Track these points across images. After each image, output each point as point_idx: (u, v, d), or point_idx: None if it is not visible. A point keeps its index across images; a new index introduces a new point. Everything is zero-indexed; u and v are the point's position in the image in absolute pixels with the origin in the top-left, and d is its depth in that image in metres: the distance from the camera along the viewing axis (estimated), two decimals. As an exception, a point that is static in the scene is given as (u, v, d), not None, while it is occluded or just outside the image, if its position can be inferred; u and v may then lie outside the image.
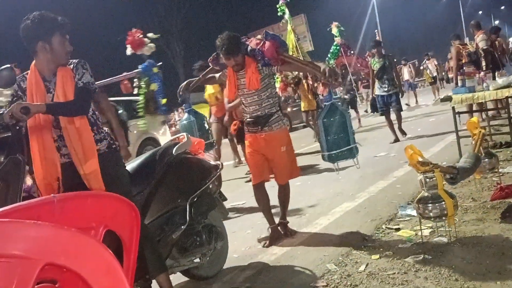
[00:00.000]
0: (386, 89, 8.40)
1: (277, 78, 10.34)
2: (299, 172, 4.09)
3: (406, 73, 18.38)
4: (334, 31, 12.14)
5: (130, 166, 2.96)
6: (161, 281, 2.60)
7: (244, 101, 3.75)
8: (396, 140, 8.30)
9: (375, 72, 8.57)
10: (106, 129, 2.72)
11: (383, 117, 8.93)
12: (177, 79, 31.22)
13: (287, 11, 10.45)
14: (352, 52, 12.97)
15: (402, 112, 9.03)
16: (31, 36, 2.44)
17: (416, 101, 18.29)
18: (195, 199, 3.08)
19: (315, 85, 10.85)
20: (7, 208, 1.32)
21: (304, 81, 10.95)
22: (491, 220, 3.43)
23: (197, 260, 3.07)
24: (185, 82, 4.13)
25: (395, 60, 11.17)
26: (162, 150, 3.15)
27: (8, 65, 2.43)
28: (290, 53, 10.17)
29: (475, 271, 2.64)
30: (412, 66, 20.51)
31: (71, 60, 2.57)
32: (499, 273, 2.57)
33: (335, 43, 12.18)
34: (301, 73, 10.53)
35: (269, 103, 3.69)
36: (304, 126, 14.59)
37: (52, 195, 1.94)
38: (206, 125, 4.38)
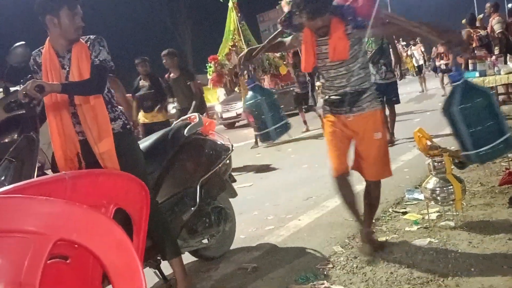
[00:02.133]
0: (383, 76, 6.72)
1: (209, 67, 9.31)
2: (391, 171, 3.05)
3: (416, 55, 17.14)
4: (285, 9, 9.04)
5: (142, 145, 2.94)
6: (175, 265, 2.61)
7: (325, 74, 2.89)
8: (390, 141, 6.28)
9: (369, 54, 6.58)
10: (120, 108, 2.69)
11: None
12: (185, 62, 31.08)
13: None
14: None
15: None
16: (41, 10, 2.41)
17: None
18: (206, 181, 3.07)
19: (262, 76, 9.27)
20: (20, 184, 1.34)
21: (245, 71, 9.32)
22: (499, 205, 3.42)
23: (206, 241, 3.10)
24: (245, 51, 3.25)
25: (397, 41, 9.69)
26: (173, 130, 3.12)
27: (23, 42, 2.42)
28: (230, 36, 9.14)
29: (481, 255, 2.65)
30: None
31: (88, 37, 2.53)
32: (505, 257, 2.57)
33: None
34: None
35: (359, 76, 2.80)
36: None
37: (63, 172, 1.97)
38: (277, 101, 3.50)
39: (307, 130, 10.09)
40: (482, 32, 8.36)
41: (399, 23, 2.84)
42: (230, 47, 9.11)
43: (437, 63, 13.87)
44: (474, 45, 8.25)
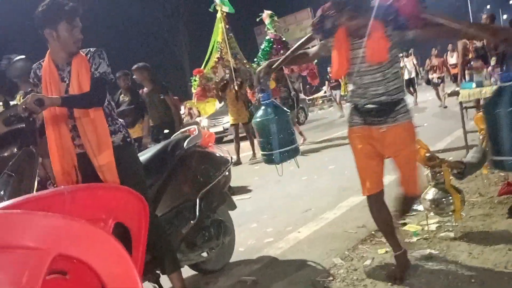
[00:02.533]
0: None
1: (194, 81, 8.73)
2: (419, 189, 2.88)
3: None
4: (267, 21, 9.39)
5: (142, 158, 2.93)
6: (174, 279, 2.59)
7: (358, 81, 2.60)
8: None
9: None
10: (121, 120, 2.69)
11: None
12: (182, 73, 31.00)
13: None
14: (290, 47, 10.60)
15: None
16: (40, 24, 2.43)
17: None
18: (205, 194, 3.05)
19: (244, 92, 8.45)
20: (19, 199, 1.34)
21: (232, 86, 8.32)
22: (498, 215, 3.42)
23: (205, 254, 3.08)
24: (265, 64, 2.98)
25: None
26: (173, 143, 3.11)
27: (23, 56, 2.43)
28: (217, 48, 8.65)
29: (481, 266, 2.64)
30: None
31: (88, 49, 2.53)
32: (505, 267, 2.57)
33: (267, 38, 9.36)
34: (227, 76, 8.47)
35: (396, 84, 2.57)
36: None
37: (62, 186, 1.96)
38: (290, 123, 3.25)
39: (304, 141, 9.67)
40: (478, 43, 8.41)
41: (444, 23, 2.55)
42: (216, 59, 8.73)
43: (430, 76, 13.73)
44: (470, 56, 8.32)
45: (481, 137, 4.16)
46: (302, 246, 3.54)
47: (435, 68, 13.37)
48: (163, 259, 2.57)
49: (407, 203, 2.92)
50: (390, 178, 4.76)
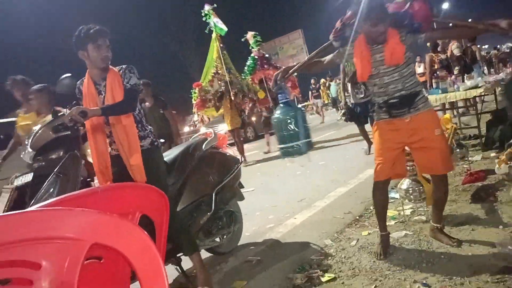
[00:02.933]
0: (363, 95, 6.14)
1: (194, 93, 8.59)
2: (453, 165, 2.79)
3: (333, 88, 16.59)
4: (251, 41, 9.11)
5: (168, 157, 2.90)
6: (194, 259, 2.58)
7: (378, 81, 2.56)
8: (370, 145, 6.26)
9: (349, 76, 6.14)
10: (150, 127, 2.67)
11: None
12: (191, 85, 30.54)
13: (213, 17, 8.35)
14: (273, 63, 9.48)
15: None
16: (75, 48, 2.46)
17: None
18: (220, 189, 3.04)
19: (238, 101, 8.34)
20: (60, 198, 1.35)
21: (228, 96, 8.18)
22: (463, 201, 3.41)
23: (218, 240, 3.08)
24: (282, 69, 2.86)
25: None
26: (194, 145, 3.08)
27: (69, 74, 2.45)
28: (213, 64, 8.41)
29: (449, 243, 2.64)
30: None
31: (121, 66, 2.54)
32: (470, 245, 2.56)
33: (251, 55, 9.04)
34: (223, 88, 8.26)
35: (412, 81, 2.54)
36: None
37: (97, 186, 1.97)
38: (305, 120, 3.03)
39: (269, 151, 9.00)
40: (442, 56, 8.43)
41: (457, 23, 2.49)
42: (212, 74, 8.50)
43: None
44: (436, 67, 8.34)
45: (446, 135, 4.16)
46: (298, 230, 3.54)
47: None
48: (183, 244, 2.56)
49: (444, 183, 2.69)
50: (371, 171, 4.74)
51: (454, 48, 8.35)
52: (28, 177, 2.19)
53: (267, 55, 9.24)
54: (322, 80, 17.93)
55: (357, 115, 6.25)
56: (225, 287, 2.65)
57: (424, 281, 2.22)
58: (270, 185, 5.87)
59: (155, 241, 1.56)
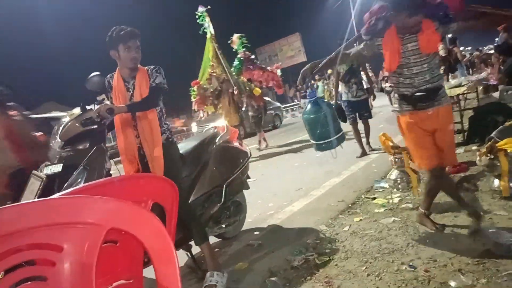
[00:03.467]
0: (354, 94, 5.78)
1: (193, 91, 8.10)
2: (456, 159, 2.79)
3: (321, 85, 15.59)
4: (236, 44, 8.49)
5: (184, 149, 2.81)
6: (204, 248, 2.53)
7: (406, 72, 2.42)
8: (364, 153, 5.78)
9: (341, 74, 5.80)
10: (167, 124, 2.64)
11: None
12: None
13: (207, 19, 7.79)
14: (259, 65, 8.82)
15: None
16: (107, 47, 2.45)
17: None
18: (230, 182, 2.98)
19: (239, 97, 7.93)
20: (81, 187, 1.36)
21: (227, 93, 7.79)
22: (446, 190, 3.41)
23: (225, 227, 3.04)
24: (308, 65, 2.68)
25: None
26: (208, 138, 3.02)
27: (98, 72, 2.44)
28: (209, 63, 7.93)
29: (433, 229, 2.64)
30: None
31: (149, 66, 2.52)
32: (452, 230, 2.58)
33: (238, 56, 8.43)
34: (223, 85, 7.80)
35: (437, 74, 2.44)
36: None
37: (113, 176, 1.98)
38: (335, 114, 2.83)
39: (267, 146, 9.12)
40: None
41: (489, 11, 2.39)
42: (210, 72, 7.99)
43: (383, 85, 12.70)
44: None
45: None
46: (296, 217, 3.55)
47: (386, 78, 12.90)
48: (194, 234, 2.52)
49: (446, 175, 2.71)
50: (362, 163, 4.72)
51: (439, 49, 8.32)
52: (58, 168, 2.17)
53: (252, 57, 8.67)
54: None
55: (342, 112, 5.88)
56: (229, 268, 2.67)
57: (411, 263, 2.24)
58: (270, 175, 5.88)
59: (165, 225, 1.58)
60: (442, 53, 8.16)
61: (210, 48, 7.91)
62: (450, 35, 8.38)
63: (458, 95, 5.12)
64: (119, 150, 2.49)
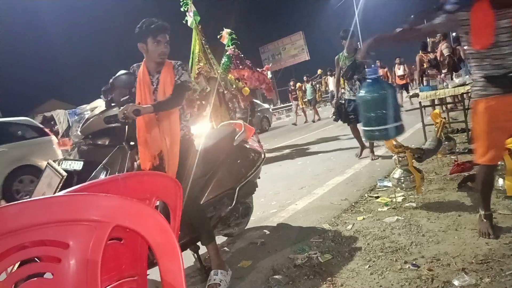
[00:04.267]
0: (357, 92, 4.77)
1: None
2: None
3: (331, 83, 13.81)
4: (225, 39, 7.74)
5: (202, 147, 2.72)
6: (210, 248, 2.50)
7: (494, 51, 2.12)
8: (363, 148, 5.55)
9: (342, 70, 5.20)
10: (185, 122, 2.61)
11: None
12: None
13: (192, 7, 6.84)
14: (248, 63, 7.89)
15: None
16: (136, 39, 2.41)
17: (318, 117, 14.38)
18: (243, 184, 2.92)
19: (229, 98, 7.27)
20: (86, 184, 1.36)
21: (218, 93, 7.10)
22: (450, 189, 3.41)
23: (231, 227, 3.02)
24: (372, 39, 2.38)
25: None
26: (226, 138, 2.93)
27: (125, 71, 2.42)
28: (196, 59, 6.97)
29: (437, 228, 2.65)
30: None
31: (175, 62, 2.48)
32: (456, 229, 2.57)
33: (226, 54, 7.60)
34: (210, 84, 6.96)
35: None
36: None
37: (117, 174, 1.99)
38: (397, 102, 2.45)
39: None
40: (431, 56, 8.40)
41: None
42: (198, 69, 6.95)
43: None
44: (425, 66, 8.30)
45: (435, 129, 4.14)
46: (299, 215, 3.55)
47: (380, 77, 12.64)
48: (202, 235, 2.49)
49: None
50: (366, 161, 4.72)
51: (443, 48, 8.30)
52: (78, 165, 2.16)
53: (242, 55, 7.75)
54: (298, 84, 15.47)
55: (347, 113, 5.28)
56: (232, 266, 2.68)
57: (414, 262, 2.23)
58: (273, 174, 5.88)
59: (169, 223, 1.58)
60: (446, 52, 8.13)
61: (196, 41, 6.97)
62: (454, 34, 8.32)
63: (462, 94, 5.09)
64: (138, 146, 2.44)
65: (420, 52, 8.64)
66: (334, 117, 5.60)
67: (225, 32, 7.71)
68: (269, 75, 8.39)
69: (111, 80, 2.47)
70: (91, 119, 2.30)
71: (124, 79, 2.32)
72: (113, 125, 2.27)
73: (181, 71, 2.45)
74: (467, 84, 4.97)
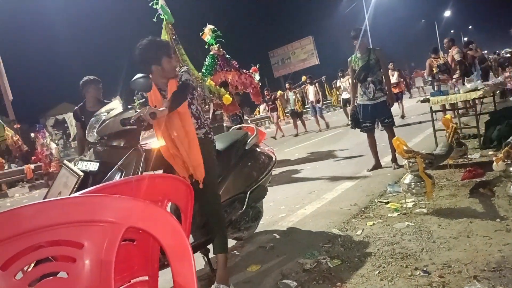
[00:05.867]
0: (371, 96, 4.72)
1: (137, 100, 4.96)
2: None
3: (311, 93, 12.10)
4: (207, 37, 6.71)
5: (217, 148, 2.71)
6: (220, 258, 2.44)
7: None
8: (377, 166, 4.99)
9: (356, 72, 4.80)
10: (207, 122, 2.62)
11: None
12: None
13: (162, 1, 5.90)
14: (234, 64, 6.99)
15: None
16: (146, 61, 2.43)
17: (319, 128, 12.15)
18: (255, 188, 2.91)
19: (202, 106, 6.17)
20: (100, 186, 1.39)
21: (208, 100, 6.48)
22: (462, 195, 3.37)
23: (241, 231, 3.02)
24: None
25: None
26: (238, 142, 2.93)
27: (144, 74, 2.44)
28: None
29: (448, 234, 2.62)
30: (319, 86, 12.72)
31: (180, 70, 2.52)
32: (467, 236, 2.54)
33: (210, 53, 6.66)
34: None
35: None
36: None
37: (130, 176, 2.02)
38: None
39: None
40: (441, 60, 8.37)
41: None
42: None
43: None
44: (434, 71, 8.28)
45: (446, 134, 4.11)
46: (308, 220, 3.54)
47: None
48: (216, 241, 2.45)
49: None
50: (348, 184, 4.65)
51: (455, 53, 8.25)
52: (94, 166, 2.19)
53: (228, 56, 6.84)
54: (279, 92, 14.01)
55: (358, 119, 4.96)
56: (241, 270, 2.68)
57: (425, 268, 2.22)
58: (281, 178, 5.88)
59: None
60: (457, 57, 8.07)
61: (166, 39, 5.69)
62: (465, 39, 8.28)
63: (474, 99, 5.05)
64: (160, 148, 2.46)
65: (431, 56, 8.60)
66: (350, 125, 5.29)
67: (208, 29, 6.63)
68: (257, 77, 7.40)
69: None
70: (107, 121, 2.33)
71: (142, 83, 2.35)
72: (129, 127, 2.31)
73: (181, 74, 2.49)
74: (479, 89, 4.93)
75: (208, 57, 6.63)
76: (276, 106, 13.41)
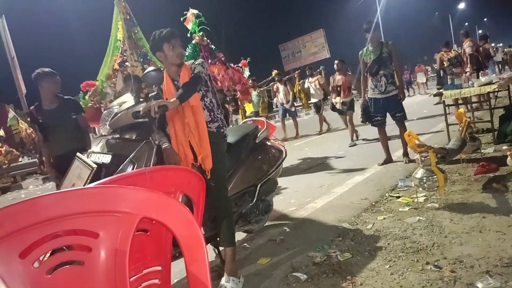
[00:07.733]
0: (382, 90, 4.66)
1: (82, 98, 4.63)
2: None
3: (281, 92, 9.85)
4: (190, 23, 5.41)
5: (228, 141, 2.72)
6: (228, 251, 2.46)
7: None
8: (388, 161, 4.99)
9: (367, 65, 4.74)
10: (221, 116, 2.64)
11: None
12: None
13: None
14: (220, 56, 5.53)
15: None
16: (154, 51, 2.55)
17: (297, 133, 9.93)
18: (265, 181, 2.93)
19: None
20: (115, 177, 1.42)
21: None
22: (474, 190, 3.34)
23: (251, 224, 3.04)
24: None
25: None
26: (249, 135, 2.94)
27: (156, 68, 2.48)
28: (117, 50, 4.64)
29: (460, 229, 2.60)
30: (290, 86, 10.14)
31: (193, 61, 2.56)
32: (480, 231, 2.52)
33: (192, 42, 5.32)
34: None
35: None
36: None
37: (143, 167, 2.04)
38: None
39: None
40: (452, 54, 8.24)
41: None
42: (115, 64, 4.60)
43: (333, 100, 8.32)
44: (445, 64, 8.17)
45: (460, 128, 4.06)
46: (318, 214, 3.55)
47: (338, 88, 10.15)
48: (223, 234, 2.48)
49: None
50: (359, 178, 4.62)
51: (466, 47, 8.12)
52: (107, 158, 2.22)
53: (212, 46, 5.53)
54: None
55: (370, 113, 4.91)
56: (251, 262, 2.71)
57: (436, 263, 2.21)
58: (292, 172, 5.88)
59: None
60: (468, 50, 7.93)
61: (119, 21, 4.60)
62: (480, 31, 8.15)
63: (488, 93, 4.96)
64: (170, 137, 2.51)
65: (442, 50, 8.46)
66: (361, 119, 5.14)
67: (190, 14, 5.49)
68: (246, 72, 6.37)
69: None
70: (120, 114, 2.36)
71: (154, 76, 2.37)
72: (141, 120, 2.32)
73: (195, 65, 2.52)
74: (494, 83, 4.84)
75: (189, 47, 5.36)
76: (238, 107, 11.13)
